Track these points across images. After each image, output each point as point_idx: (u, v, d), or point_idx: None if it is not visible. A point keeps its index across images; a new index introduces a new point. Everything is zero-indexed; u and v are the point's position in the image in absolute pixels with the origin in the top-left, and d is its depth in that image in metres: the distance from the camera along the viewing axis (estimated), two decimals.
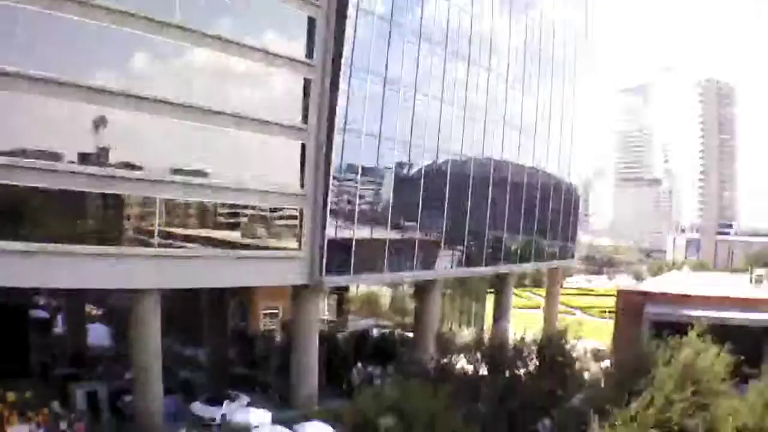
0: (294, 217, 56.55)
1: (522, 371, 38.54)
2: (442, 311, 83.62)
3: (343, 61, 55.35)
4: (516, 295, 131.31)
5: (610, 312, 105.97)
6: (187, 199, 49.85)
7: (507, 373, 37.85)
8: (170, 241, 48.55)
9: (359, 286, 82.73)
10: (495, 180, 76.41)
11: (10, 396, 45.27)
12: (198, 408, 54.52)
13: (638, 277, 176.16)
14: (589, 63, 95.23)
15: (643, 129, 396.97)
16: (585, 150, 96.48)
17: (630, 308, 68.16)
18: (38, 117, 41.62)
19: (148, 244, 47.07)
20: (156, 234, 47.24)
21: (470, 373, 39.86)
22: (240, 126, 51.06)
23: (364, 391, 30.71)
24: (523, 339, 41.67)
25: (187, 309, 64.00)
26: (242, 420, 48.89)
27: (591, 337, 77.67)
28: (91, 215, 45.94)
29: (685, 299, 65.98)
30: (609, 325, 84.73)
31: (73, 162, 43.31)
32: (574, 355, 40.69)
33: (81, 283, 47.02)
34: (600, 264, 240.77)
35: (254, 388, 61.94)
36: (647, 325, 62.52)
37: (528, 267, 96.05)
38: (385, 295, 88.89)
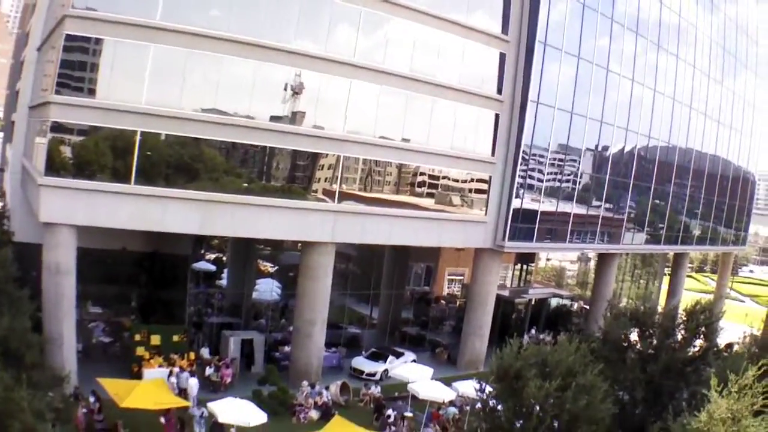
0: (481, 188, 58.00)
1: (670, 340, 37.61)
2: (620, 288, 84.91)
3: (537, 36, 55.73)
4: (695, 279, 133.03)
5: None
6: (376, 158, 51.68)
7: (654, 340, 37.06)
8: (352, 201, 50.39)
9: (548, 258, 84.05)
10: (678, 164, 76.07)
11: (154, 339, 47.57)
12: (359, 362, 55.88)
13: None
14: None
15: None
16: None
17: None
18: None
19: (327, 200, 49.12)
20: (337, 192, 49.05)
21: (623, 338, 39.39)
22: (437, 94, 52.50)
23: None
24: (675, 307, 40.60)
25: (367, 269, 65.47)
26: (402, 375, 49.06)
27: (755, 325, 77.21)
28: (275, 170, 48.24)
29: None
30: None
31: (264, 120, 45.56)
32: (720, 329, 39.39)
33: (261, 233, 48.96)
34: None
35: (424, 347, 64.22)
36: None
37: (702, 249, 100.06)
38: (570, 270, 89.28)
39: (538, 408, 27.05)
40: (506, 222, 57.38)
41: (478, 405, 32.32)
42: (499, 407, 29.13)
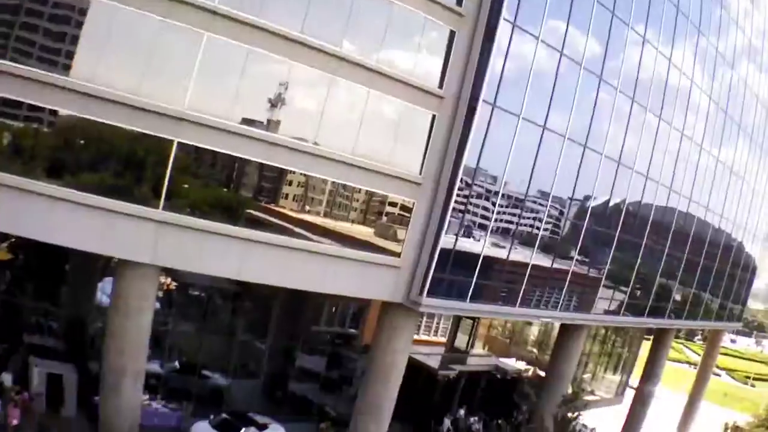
0: (396, 213, 41.96)
1: None
2: (589, 352, 75.45)
3: (500, 11, 39.93)
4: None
5: (754, 378, 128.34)
6: (226, 151, 35.27)
7: None
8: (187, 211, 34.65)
9: None
10: (675, 230, 61.29)
11: None
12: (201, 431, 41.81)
13: None
14: None
15: None
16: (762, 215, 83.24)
17: None
18: None
19: (150, 205, 33.44)
20: (163, 195, 33.45)
21: None
22: (342, 73, 36.80)
23: None
24: None
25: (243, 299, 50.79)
26: None
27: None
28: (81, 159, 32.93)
29: None
30: (752, 391, 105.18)
31: None
32: None
33: (50, 236, 32.50)
34: (750, 327, 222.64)
35: (309, 417, 49.78)
36: None
37: (693, 325, 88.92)
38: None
39: None
40: (428, 268, 40.86)
41: None
42: None
